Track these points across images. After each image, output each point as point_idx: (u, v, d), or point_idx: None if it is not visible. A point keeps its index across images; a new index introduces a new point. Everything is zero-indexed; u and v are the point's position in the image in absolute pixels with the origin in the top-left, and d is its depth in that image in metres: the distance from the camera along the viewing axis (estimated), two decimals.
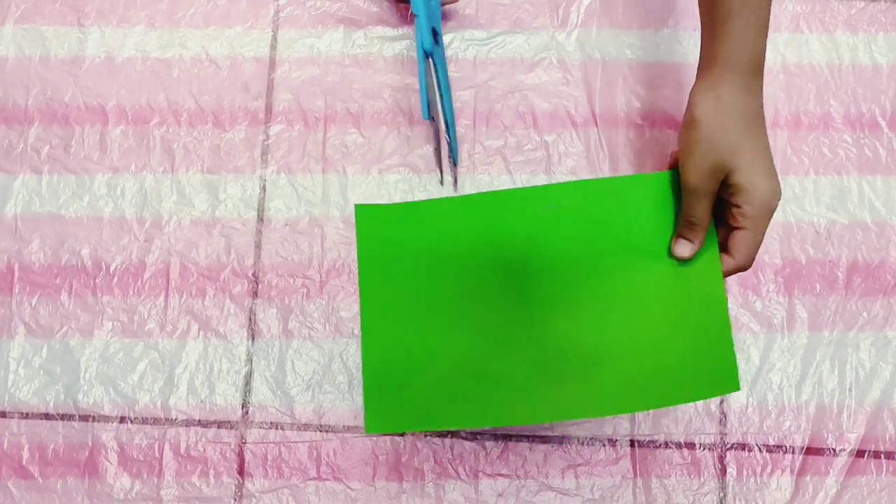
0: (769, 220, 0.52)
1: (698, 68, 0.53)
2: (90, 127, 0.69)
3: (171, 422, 0.65)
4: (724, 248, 0.53)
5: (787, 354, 0.66)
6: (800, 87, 0.70)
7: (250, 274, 0.67)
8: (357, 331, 0.66)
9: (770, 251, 0.68)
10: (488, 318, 0.53)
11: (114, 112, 0.69)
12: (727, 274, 0.53)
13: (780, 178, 0.68)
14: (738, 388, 0.52)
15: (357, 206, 0.53)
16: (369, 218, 0.53)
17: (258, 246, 0.68)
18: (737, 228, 0.52)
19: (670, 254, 0.53)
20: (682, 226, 0.53)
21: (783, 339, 0.67)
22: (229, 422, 0.65)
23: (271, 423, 0.65)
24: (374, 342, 0.52)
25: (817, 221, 0.68)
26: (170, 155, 0.69)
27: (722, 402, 0.66)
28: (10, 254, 0.67)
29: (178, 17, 0.70)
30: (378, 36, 0.70)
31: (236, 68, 0.70)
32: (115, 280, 0.67)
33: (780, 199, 0.52)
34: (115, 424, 0.65)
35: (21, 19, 0.70)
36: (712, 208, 0.52)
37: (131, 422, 0.65)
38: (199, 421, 0.65)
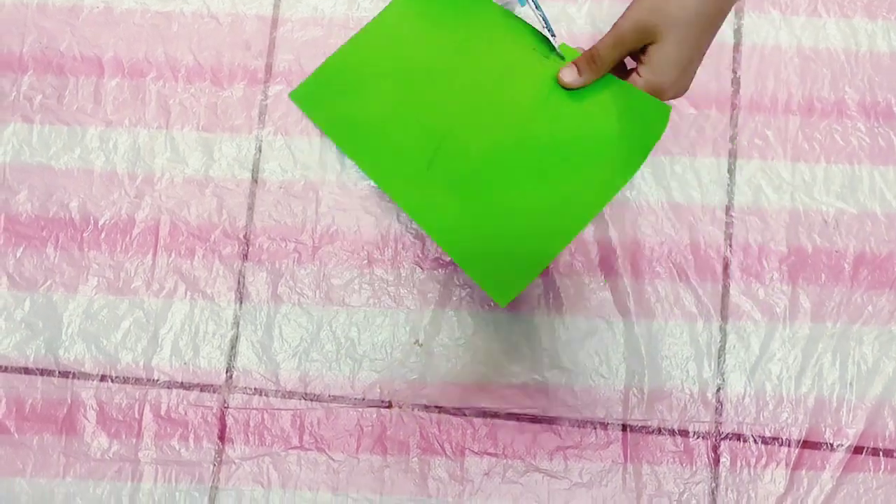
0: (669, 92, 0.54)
1: None
2: (85, 78, 0.67)
3: (152, 382, 0.64)
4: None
5: (787, 345, 0.65)
6: (815, 71, 0.68)
7: (241, 236, 0.66)
8: (347, 299, 0.65)
9: (776, 238, 0.66)
10: (433, 116, 0.60)
11: (110, 64, 0.67)
12: (573, 80, 0.57)
13: (790, 164, 0.66)
14: (503, 303, 0.57)
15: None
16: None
17: (251, 208, 0.66)
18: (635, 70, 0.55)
19: (558, 76, 0.58)
20: (583, 57, 0.56)
21: (785, 328, 0.65)
22: (212, 385, 0.64)
23: (255, 388, 0.64)
24: (352, 50, 0.63)
25: (826, 210, 0.66)
26: (165, 111, 0.67)
27: (719, 390, 0.64)
28: None
29: None
30: None
31: (238, 25, 0.68)
32: (103, 235, 0.65)
33: (683, 92, 0.55)
34: (95, 382, 0.64)
35: None
36: (617, 61, 0.55)
37: (112, 380, 0.64)
38: (182, 383, 0.64)
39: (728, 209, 0.66)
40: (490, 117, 0.58)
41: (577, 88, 0.57)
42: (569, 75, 0.57)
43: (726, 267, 0.66)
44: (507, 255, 0.56)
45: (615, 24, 0.54)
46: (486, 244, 0.57)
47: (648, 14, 0.52)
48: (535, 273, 0.57)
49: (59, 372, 0.64)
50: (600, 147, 0.57)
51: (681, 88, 0.55)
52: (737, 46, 0.68)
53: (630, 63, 0.56)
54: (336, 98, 0.62)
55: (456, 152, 0.58)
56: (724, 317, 0.65)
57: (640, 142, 0.56)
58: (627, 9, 0.53)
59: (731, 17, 0.69)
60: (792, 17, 0.68)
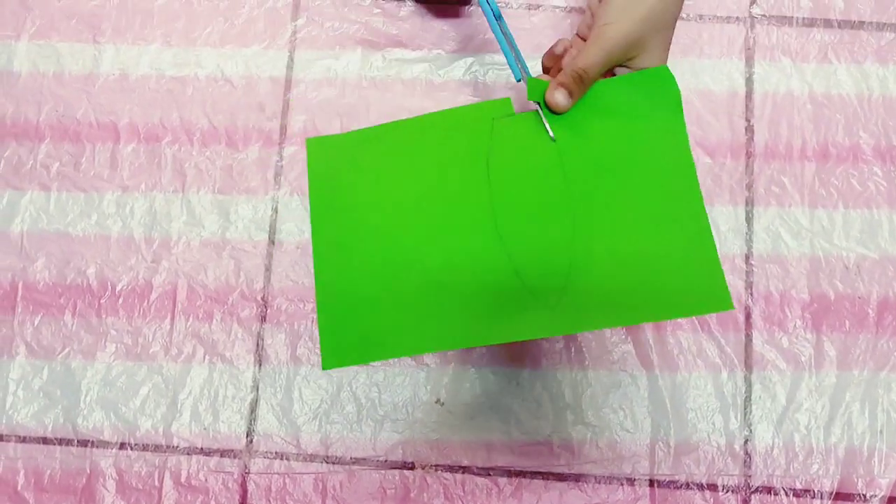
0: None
1: None
2: (101, 145, 0.68)
3: (172, 449, 0.63)
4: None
5: (815, 394, 0.64)
6: (828, 117, 0.68)
7: (259, 298, 0.65)
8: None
9: (797, 286, 0.65)
10: (450, 234, 0.51)
11: (126, 130, 0.68)
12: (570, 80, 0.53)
13: (808, 210, 0.66)
14: (730, 307, 0.48)
15: (308, 140, 0.54)
16: (320, 148, 0.53)
17: (268, 269, 0.66)
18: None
19: (545, 101, 0.53)
20: (569, 75, 0.52)
21: (811, 377, 0.64)
22: (233, 450, 0.63)
23: (276, 452, 0.63)
24: (327, 275, 0.51)
25: (846, 256, 0.66)
26: (181, 174, 0.67)
27: (746, 442, 0.63)
28: (15, 272, 0.66)
29: (195, 35, 0.69)
30: (396, 58, 0.69)
31: (252, 88, 0.69)
32: (121, 301, 0.65)
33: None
34: (114, 451, 0.63)
35: (36, 35, 0.69)
36: (602, 75, 0.53)
37: (131, 448, 0.63)
38: (202, 449, 0.63)
39: (748, 258, 0.66)
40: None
41: (566, 111, 0.53)
42: (561, 97, 0.52)
43: (748, 316, 0.65)
44: (677, 273, 0.49)
45: (598, 37, 0.52)
46: (654, 288, 0.49)
47: (640, 26, 0.52)
48: (715, 262, 0.49)
49: (78, 441, 0.63)
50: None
51: None
52: (749, 95, 0.68)
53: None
54: (360, 324, 0.51)
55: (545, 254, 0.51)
56: (748, 367, 0.64)
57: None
58: (608, 23, 0.52)
59: (742, 65, 0.69)
60: (803, 64, 0.69)
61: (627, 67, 0.54)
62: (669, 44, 0.54)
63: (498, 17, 0.58)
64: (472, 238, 0.51)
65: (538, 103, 0.53)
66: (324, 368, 0.48)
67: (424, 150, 0.53)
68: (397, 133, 0.53)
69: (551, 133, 0.53)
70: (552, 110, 0.53)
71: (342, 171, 0.52)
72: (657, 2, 0.52)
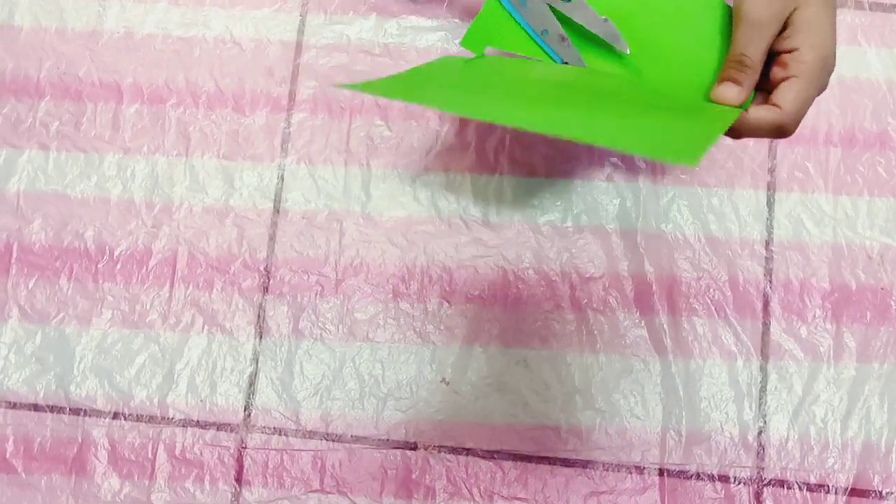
0: (825, 79, 0.45)
1: None
2: (103, 104, 0.65)
3: (167, 420, 0.61)
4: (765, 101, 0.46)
5: (832, 386, 0.62)
6: (856, 102, 0.66)
7: (262, 268, 0.63)
8: (371, 335, 0.62)
9: (818, 274, 0.63)
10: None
11: (129, 90, 0.66)
12: (766, 128, 0.45)
13: (832, 197, 0.64)
14: (692, 163, 0.39)
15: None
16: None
17: (272, 238, 0.64)
18: (786, 78, 0.44)
19: (712, 97, 0.47)
20: (730, 66, 0.46)
21: (829, 369, 0.62)
22: (230, 424, 0.61)
23: (274, 428, 0.61)
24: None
25: (870, 245, 0.64)
26: (185, 138, 0.65)
27: (760, 433, 0.61)
28: (10, 232, 0.63)
29: None
30: (411, 26, 0.67)
31: (261, 52, 0.66)
32: (119, 266, 0.63)
33: (834, 68, 0.45)
34: (107, 420, 0.61)
35: None
36: (766, 52, 0.45)
37: (125, 418, 0.61)
38: (198, 422, 0.61)
39: (767, 244, 0.64)
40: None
41: (742, 103, 0.47)
42: (730, 91, 0.46)
43: (766, 304, 0.63)
44: (672, 118, 0.45)
45: (737, 14, 0.46)
46: (638, 119, 0.45)
47: None
48: (722, 126, 0.44)
49: (70, 409, 0.61)
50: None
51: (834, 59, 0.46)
52: None
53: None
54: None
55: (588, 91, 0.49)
56: (764, 356, 0.62)
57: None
58: None
59: None
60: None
61: (791, 36, 0.45)
62: (832, 3, 0.45)
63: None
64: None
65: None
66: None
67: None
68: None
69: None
70: (728, 104, 0.47)
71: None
72: None
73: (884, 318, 0.63)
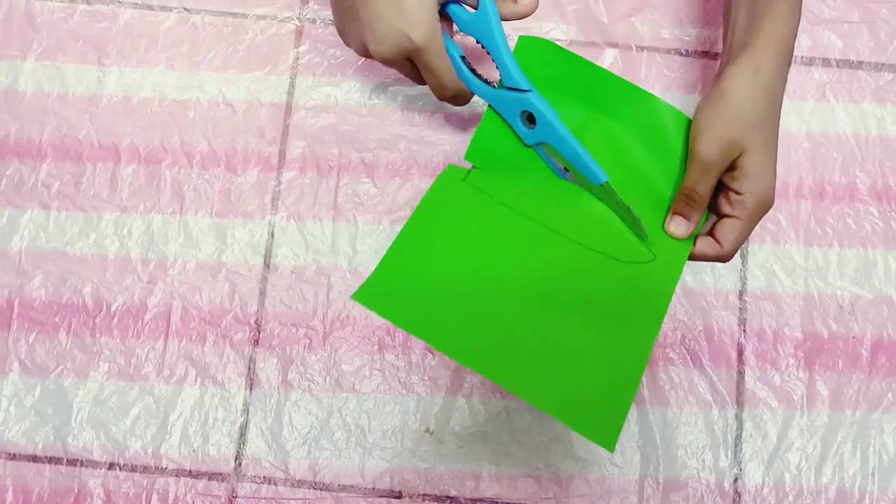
0: (761, 216, 0.51)
1: (730, 46, 0.52)
2: (102, 165, 0.68)
3: (161, 470, 0.63)
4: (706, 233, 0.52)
5: (806, 433, 0.63)
6: (825, 156, 0.68)
7: (252, 321, 0.66)
8: (357, 386, 0.64)
9: (791, 324, 0.65)
10: (524, 270, 0.51)
11: (127, 151, 0.69)
12: (708, 259, 0.52)
13: (803, 248, 0.66)
14: (611, 449, 0.43)
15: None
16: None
17: (262, 293, 0.66)
18: (728, 216, 0.51)
19: (665, 229, 0.52)
20: (681, 200, 0.51)
21: (802, 416, 0.64)
22: (221, 474, 0.63)
23: (264, 477, 0.63)
24: (416, 232, 0.50)
25: (840, 295, 0.66)
26: (179, 196, 0.68)
27: (736, 480, 0.63)
28: (12, 289, 0.66)
29: (198, 59, 0.70)
30: (396, 89, 0.70)
31: (252, 113, 0.69)
32: (115, 321, 0.66)
33: (772, 206, 0.51)
34: (103, 470, 0.63)
35: (43, 56, 0.70)
36: (713, 188, 0.51)
37: (120, 468, 0.63)
38: (190, 471, 0.63)
39: (741, 294, 0.66)
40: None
41: (689, 236, 0.52)
42: (680, 228, 0.52)
43: (741, 353, 0.65)
44: (595, 393, 0.46)
45: (691, 152, 0.50)
46: (570, 389, 0.46)
47: (728, 129, 0.49)
48: (627, 404, 0.46)
49: (67, 459, 0.63)
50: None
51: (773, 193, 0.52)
52: None
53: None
54: (400, 290, 0.49)
55: (520, 316, 0.49)
56: (739, 404, 0.64)
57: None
58: (696, 135, 0.50)
59: None
60: (800, 102, 0.69)
61: (737, 178, 0.50)
62: (775, 138, 0.51)
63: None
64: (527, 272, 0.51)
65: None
66: (353, 297, 0.47)
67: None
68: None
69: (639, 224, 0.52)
70: (677, 238, 0.52)
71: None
72: (744, 101, 0.49)
73: (855, 366, 0.64)
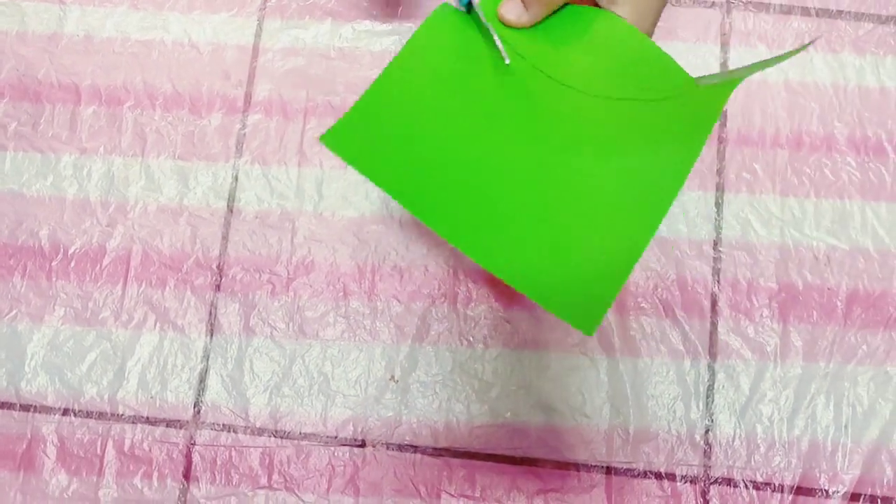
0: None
1: None
2: (61, 105, 0.66)
3: (117, 417, 0.61)
4: None
5: (779, 385, 0.62)
6: (803, 106, 0.67)
7: (214, 266, 0.64)
8: (321, 333, 0.62)
9: (765, 274, 0.64)
10: (487, 137, 0.47)
11: (87, 92, 0.67)
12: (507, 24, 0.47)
13: (779, 198, 0.65)
14: (590, 333, 0.40)
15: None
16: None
17: (225, 238, 0.64)
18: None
19: (498, 15, 0.47)
20: None
21: (776, 368, 0.62)
22: (179, 421, 0.61)
23: (224, 424, 0.61)
24: (400, 73, 0.47)
25: (816, 246, 0.64)
26: (141, 139, 0.66)
27: (707, 431, 0.61)
28: None
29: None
30: (366, 30, 0.68)
31: (218, 55, 0.68)
32: (73, 264, 0.64)
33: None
34: (57, 416, 0.61)
35: None
36: None
37: (75, 415, 0.61)
38: (147, 418, 0.61)
39: (716, 244, 0.64)
40: (537, 140, 0.48)
41: (522, 27, 0.47)
42: (511, 11, 0.46)
43: (714, 303, 0.63)
44: (583, 278, 0.44)
45: None
46: (557, 271, 0.44)
47: None
48: (615, 291, 0.43)
49: (20, 405, 0.61)
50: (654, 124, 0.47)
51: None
52: None
53: None
54: (374, 137, 0.47)
55: (508, 182, 0.47)
56: (712, 355, 0.63)
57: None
58: None
59: (717, 51, 0.68)
60: (779, 51, 0.68)
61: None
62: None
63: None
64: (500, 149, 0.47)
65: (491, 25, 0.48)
66: (320, 139, 0.44)
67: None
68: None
69: (506, 57, 0.47)
70: (506, 25, 0.47)
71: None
72: None
73: (830, 317, 0.63)
